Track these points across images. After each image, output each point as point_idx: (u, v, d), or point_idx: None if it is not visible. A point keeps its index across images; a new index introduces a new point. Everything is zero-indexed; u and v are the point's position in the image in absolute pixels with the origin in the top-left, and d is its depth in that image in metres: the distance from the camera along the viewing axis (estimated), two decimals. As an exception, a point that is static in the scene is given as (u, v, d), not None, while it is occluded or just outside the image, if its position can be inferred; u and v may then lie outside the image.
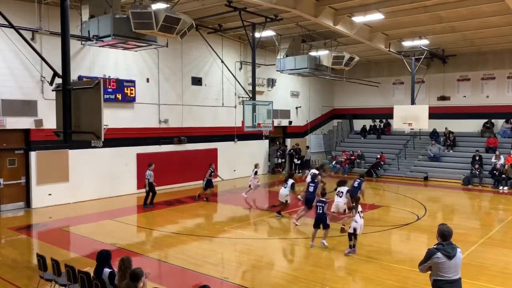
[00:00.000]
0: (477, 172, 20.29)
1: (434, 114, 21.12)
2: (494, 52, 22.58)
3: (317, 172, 15.07)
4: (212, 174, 16.16)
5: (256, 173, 16.84)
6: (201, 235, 11.50)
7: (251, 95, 17.83)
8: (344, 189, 12.04)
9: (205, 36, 18.41)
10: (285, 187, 13.51)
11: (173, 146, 18.94)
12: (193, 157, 19.41)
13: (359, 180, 13.16)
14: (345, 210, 11.73)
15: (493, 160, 20.51)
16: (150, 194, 14.85)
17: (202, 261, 9.36)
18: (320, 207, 10.40)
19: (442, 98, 24.88)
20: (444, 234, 5.33)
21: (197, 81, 19.94)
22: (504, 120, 23.04)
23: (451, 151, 23.30)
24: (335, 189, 12.30)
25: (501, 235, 11.94)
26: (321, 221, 10.35)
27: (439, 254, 5.19)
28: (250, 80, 19.09)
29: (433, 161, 22.90)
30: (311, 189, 12.60)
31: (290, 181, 13.52)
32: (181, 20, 12.17)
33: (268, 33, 18.58)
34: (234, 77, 19.92)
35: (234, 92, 21.51)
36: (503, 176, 19.53)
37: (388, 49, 20.67)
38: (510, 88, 23.03)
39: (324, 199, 10.61)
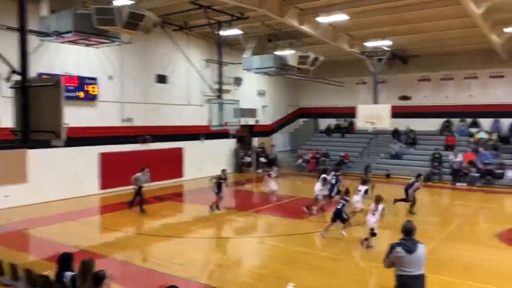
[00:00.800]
0: (437, 171, 21.07)
1: (396, 113, 21.69)
2: (453, 54, 23.34)
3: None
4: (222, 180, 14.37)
5: (270, 175, 16.85)
6: (167, 236, 11.35)
7: (217, 94, 17.76)
8: (363, 188, 12.59)
9: (170, 34, 18.17)
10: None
11: (138, 146, 18.59)
12: (159, 156, 19.09)
13: (414, 179, 13.96)
14: (362, 209, 12.20)
15: (451, 158, 21.34)
16: (139, 198, 14.05)
17: (168, 262, 9.25)
18: (342, 204, 11.09)
19: (404, 97, 25.61)
20: (407, 230, 5.50)
21: (162, 79, 19.65)
22: (459, 119, 24.08)
23: (412, 149, 24.05)
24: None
25: (459, 230, 12.42)
26: (338, 216, 10.96)
27: (399, 249, 5.35)
28: (216, 78, 18.99)
29: (395, 159, 23.56)
30: (333, 181, 14.18)
31: (322, 176, 14.22)
32: (145, 16, 11.93)
33: (235, 31, 18.53)
34: (201, 75, 19.76)
35: (201, 91, 21.32)
36: (461, 173, 20.34)
37: (352, 50, 21.06)
38: (468, 89, 24.00)
39: (346, 198, 11.27)
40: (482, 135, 22.72)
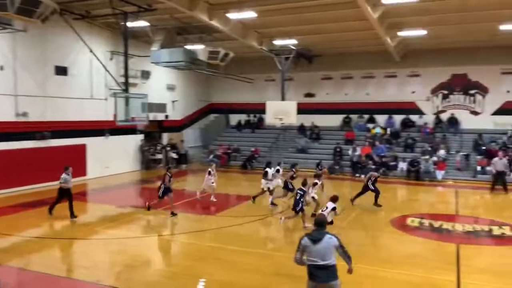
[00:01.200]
0: (338, 165, 22.46)
1: (302, 109, 22.69)
2: (353, 54, 24.96)
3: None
4: (171, 180, 13.33)
5: (209, 173, 16.01)
6: (69, 238, 10.67)
7: (123, 87, 17.03)
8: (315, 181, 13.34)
9: (71, 23, 16.96)
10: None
11: (35, 142, 17.14)
12: (59, 154, 17.79)
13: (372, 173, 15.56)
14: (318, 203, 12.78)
15: (350, 151, 22.91)
16: (58, 201, 12.70)
17: (72, 265, 8.75)
18: (299, 194, 11.51)
19: (309, 95, 26.92)
20: (316, 222, 5.79)
21: (62, 70, 18.31)
22: (357, 116, 25.89)
23: (316, 143, 25.36)
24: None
25: (359, 218, 13.38)
26: (295, 206, 11.28)
27: (305, 239, 5.62)
28: (122, 71, 18.17)
29: (301, 153, 24.64)
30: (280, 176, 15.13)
31: (264, 170, 15.08)
32: (41, 3, 11.05)
33: (142, 23, 17.89)
34: (105, 67, 18.72)
35: (105, 84, 20.24)
36: (360, 165, 21.92)
37: (260, 47, 21.52)
38: (365, 87, 25.89)
39: (304, 188, 11.69)
40: (378, 130, 24.73)
